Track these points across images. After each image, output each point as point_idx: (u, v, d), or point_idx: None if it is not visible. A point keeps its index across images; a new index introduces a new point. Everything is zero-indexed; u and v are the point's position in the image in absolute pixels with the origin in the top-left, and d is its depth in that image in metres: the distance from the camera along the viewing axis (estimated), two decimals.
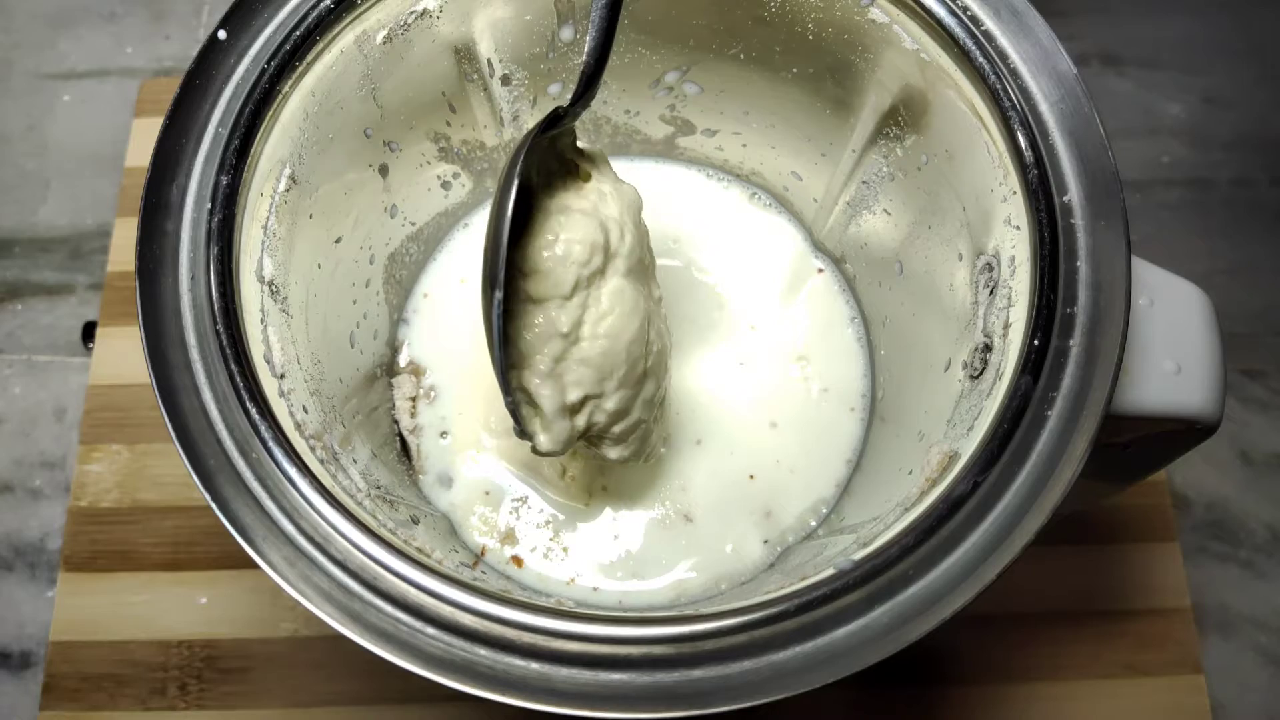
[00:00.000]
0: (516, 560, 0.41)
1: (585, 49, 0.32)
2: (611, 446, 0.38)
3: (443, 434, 0.43)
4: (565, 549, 0.41)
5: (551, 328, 0.35)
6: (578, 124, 0.35)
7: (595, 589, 0.41)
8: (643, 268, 0.38)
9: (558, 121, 0.33)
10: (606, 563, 0.41)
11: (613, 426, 0.37)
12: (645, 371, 0.37)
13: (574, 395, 0.36)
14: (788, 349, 0.45)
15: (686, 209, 0.47)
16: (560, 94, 0.43)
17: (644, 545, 0.41)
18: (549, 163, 0.34)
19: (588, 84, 0.33)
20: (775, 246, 0.47)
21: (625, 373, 0.36)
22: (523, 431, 0.33)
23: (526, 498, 0.42)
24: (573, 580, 0.41)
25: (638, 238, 0.37)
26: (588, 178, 0.37)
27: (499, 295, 0.30)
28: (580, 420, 0.36)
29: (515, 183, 0.30)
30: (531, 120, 0.44)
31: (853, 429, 0.43)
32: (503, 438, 0.43)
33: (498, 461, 0.43)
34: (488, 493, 0.42)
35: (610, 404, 0.36)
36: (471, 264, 0.47)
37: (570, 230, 0.34)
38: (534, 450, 0.37)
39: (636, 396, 0.37)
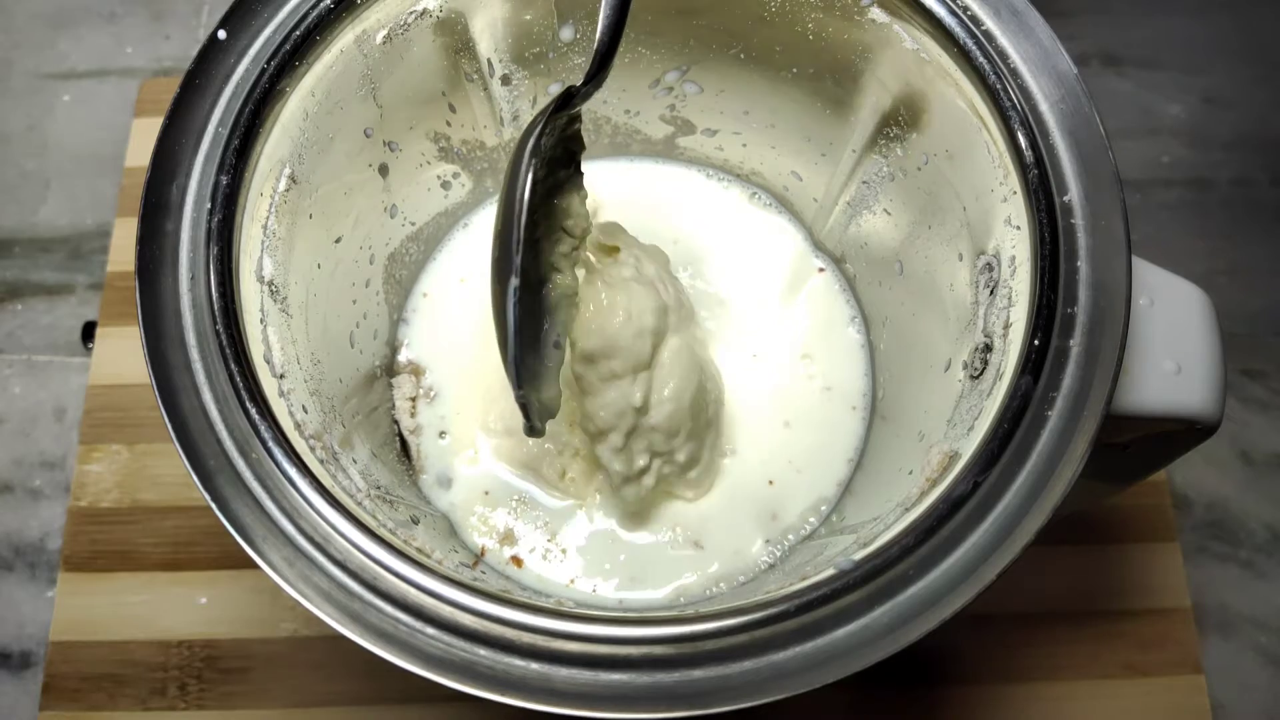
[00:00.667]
0: (516, 560, 0.41)
1: (599, 26, 0.32)
2: (687, 489, 0.40)
3: (442, 434, 0.43)
4: (564, 550, 0.41)
5: (625, 403, 0.36)
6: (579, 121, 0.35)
7: (594, 590, 0.41)
8: (688, 313, 0.40)
9: (570, 101, 0.32)
10: (606, 565, 0.41)
11: (687, 473, 0.39)
12: (708, 420, 0.40)
13: (641, 461, 0.38)
14: (792, 347, 0.45)
15: (687, 209, 0.47)
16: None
17: (643, 549, 0.41)
18: (553, 150, 0.34)
19: (601, 63, 0.32)
20: (775, 246, 0.47)
21: (691, 427, 0.38)
22: (532, 427, 0.33)
23: (526, 499, 0.42)
24: (572, 581, 0.41)
25: (677, 289, 0.39)
26: (614, 251, 0.38)
27: (515, 283, 0.30)
28: (649, 479, 0.39)
29: (531, 163, 0.30)
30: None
31: (855, 428, 0.43)
32: (502, 437, 0.43)
33: (496, 461, 0.43)
34: (487, 492, 0.42)
35: (681, 456, 0.39)
36: (471, 263, 0.47)
37: (634, 301, 0.36)
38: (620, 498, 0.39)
39: (703, 444, 0.40)
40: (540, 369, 0.34)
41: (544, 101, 0.43)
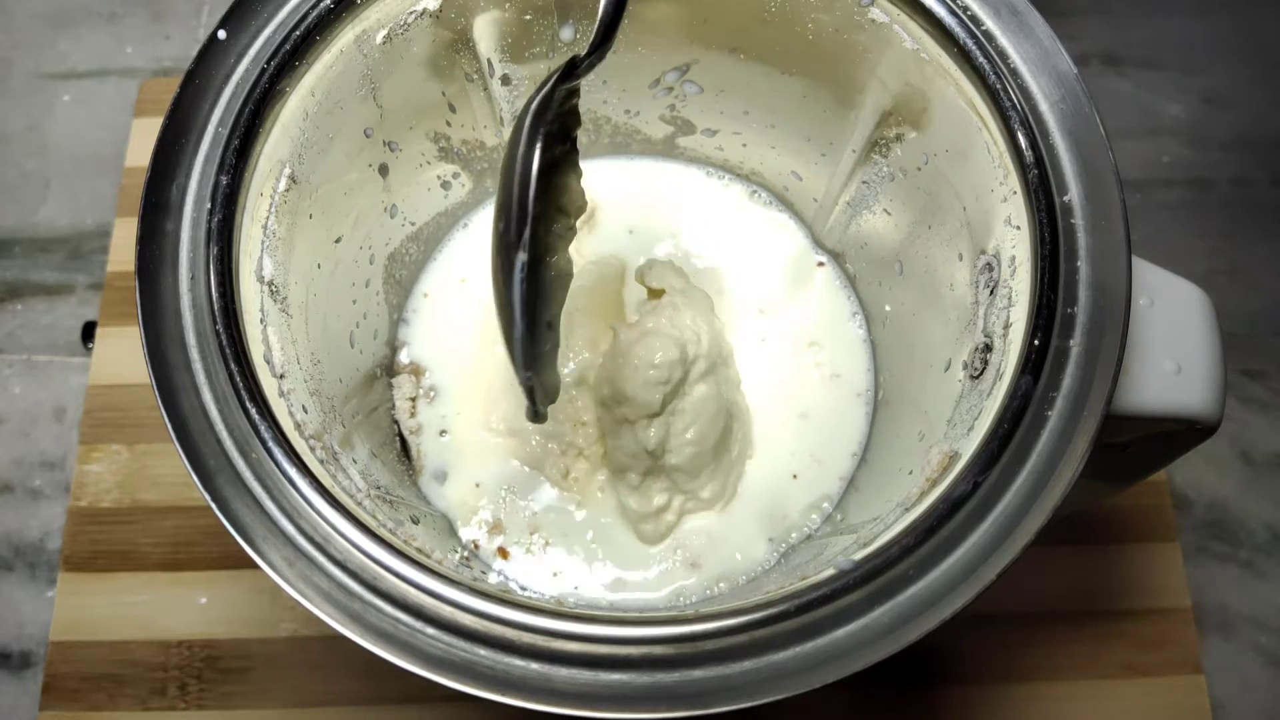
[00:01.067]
0: (502, 552, 0.41)
1: None
2: (709, 518, 0.41)
3: (442, 432, 0.43)
4: (547, 542, 0.41)
5: (638, 446, 0.38)
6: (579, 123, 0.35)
7: (576, 587, 0.41)
8: (721, 359, 0.41)
9: (573, 71, 0.32)
10: (591, 564, 0.41)
11: (713, 506, 0.41)
12: (732, 461, 0.41)
13: (659, 499, 0.40)
14: (797, 338, 0.45)
15: (687, 206, 0.47)
16: None
17: (632, 553, 0.41)
18: (550, 125, 0.33)
19: (605, 33, 0.32)
20: (776, 242, 0.47)
21: (714, 467, 0.40)
22: (535, 412, 0.33)
23: (515, 488, 0.42)
24: (556, 574, 0.41)
25: (713, 335, 0.41)
26: (659, 294, 0.41)
27: (522, 258, 0.29)
28: (669, 517, 0.40)
29: (538, 132, 0.29)
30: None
31: (860, 421, 0.43)
32: (505, 437, 0.43)
33: (502, 460, 0.43)
34: (478, 484, 0.42)
35: (705, 494, 0.40)
36: (472, 264, 0.46)
37: (650, 353, 0.38)
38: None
39: (727, 480, 0.41)
40: (538, 352, 0.33)
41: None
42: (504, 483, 0.42)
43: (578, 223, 0.35)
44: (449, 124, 0.42)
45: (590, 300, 0.43)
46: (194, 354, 0.29)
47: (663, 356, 0.38)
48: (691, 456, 0.39)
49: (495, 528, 0.42)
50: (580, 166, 0.34)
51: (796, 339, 0.45)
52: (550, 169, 0.33)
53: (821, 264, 0.46)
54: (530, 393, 0.32)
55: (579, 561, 0.41)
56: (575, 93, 0.33)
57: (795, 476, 0.42)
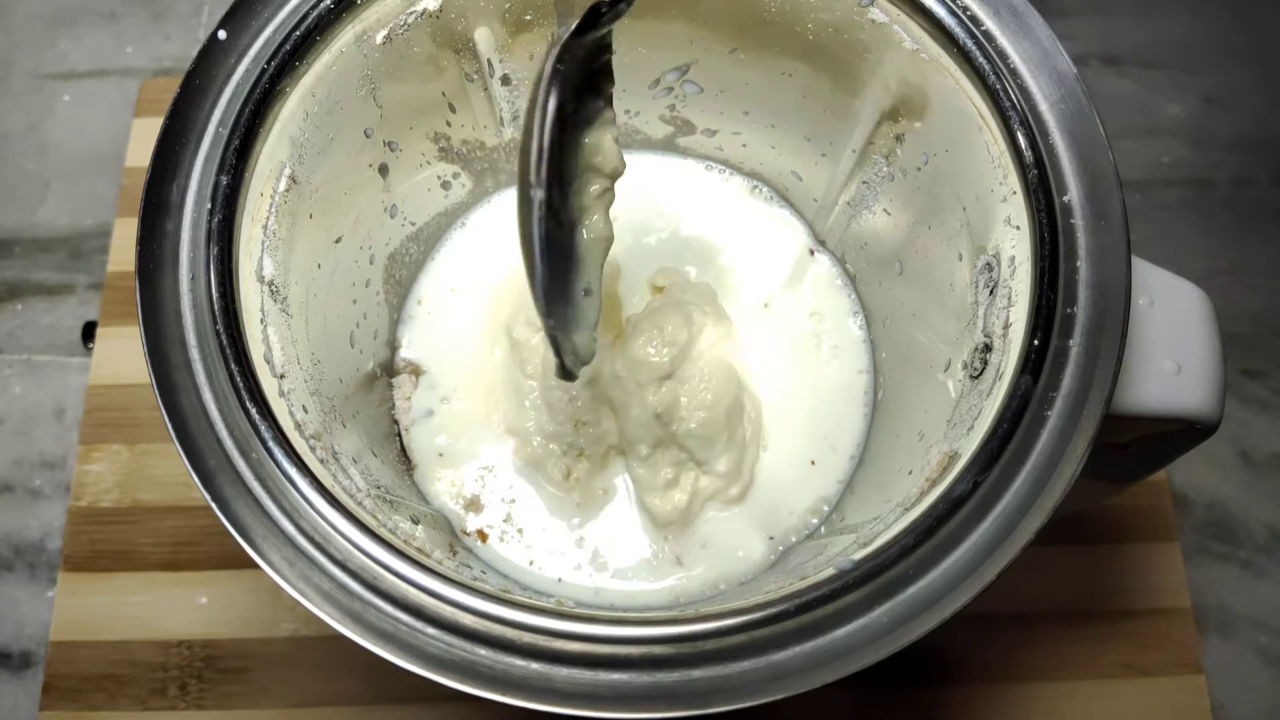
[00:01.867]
0: (481, 535, 0.41)
1: None
2: (730, 504, 0.41)
3: (444, 399, 0.44)
4: (520, 530, 0.41)
5: (647, 413, 0.39)
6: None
7: (560, 580, 0.41)
8: (727, 335, 0.42)
9: (597, 20, 0.30)
10: (570, 558, 0.41)
11: (730, 488, 0.40)
12: (746, 440, 0.41)
13: (668, 472, 0.40)
14: (796, 336, 0.45)
15: (687, 200, 0.47)
16: None
17: (621, 549, 0.41)
18: (580, 79, 0.32)
19: None
20: (777, 238, 0.47)
21: (728, 437, 0.40)
22: (564, 369, 0.31)
23: (493, 469, 0.42)
24: (531, 563, 0.41)
25: (717, 311, 0.42)
26: (660, 290, 0.43)
27: (540, 195, 0.28)
28: (679, 495, 0.40)
29: (557, 74, 0.28)
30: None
31: (857, 422, 0.43)
32: (505, 436, 0.43)
33: (502, 459, 0.43)
34: (441, 455, 0.43)
35: (721, 466, 0.40)
36: (470, 269, 0.46)
37: (658, 319, 0.39)
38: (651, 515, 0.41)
39: (743, 459, 0.41)
40: (573, 315, 0.32)
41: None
42: (487, 466, 0.43)
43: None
44: (449, 124, 0.42)
45: None
46: (194, 354, 0.29)
47: (669, 320, 0.39)
48: (704, 421, 0.39)
49: (472, 504, 0.42)
50: (616, 127, 0.33)
51: (796, 332, 0.45)
52: (582, 126, 0.32)
53: (812, 252, 0.46)
54: (556, 346, 0.30)
55: (569, 551, 0.41)
56: (608, 49, 0.32)
57: (813, 463, 0.42)
